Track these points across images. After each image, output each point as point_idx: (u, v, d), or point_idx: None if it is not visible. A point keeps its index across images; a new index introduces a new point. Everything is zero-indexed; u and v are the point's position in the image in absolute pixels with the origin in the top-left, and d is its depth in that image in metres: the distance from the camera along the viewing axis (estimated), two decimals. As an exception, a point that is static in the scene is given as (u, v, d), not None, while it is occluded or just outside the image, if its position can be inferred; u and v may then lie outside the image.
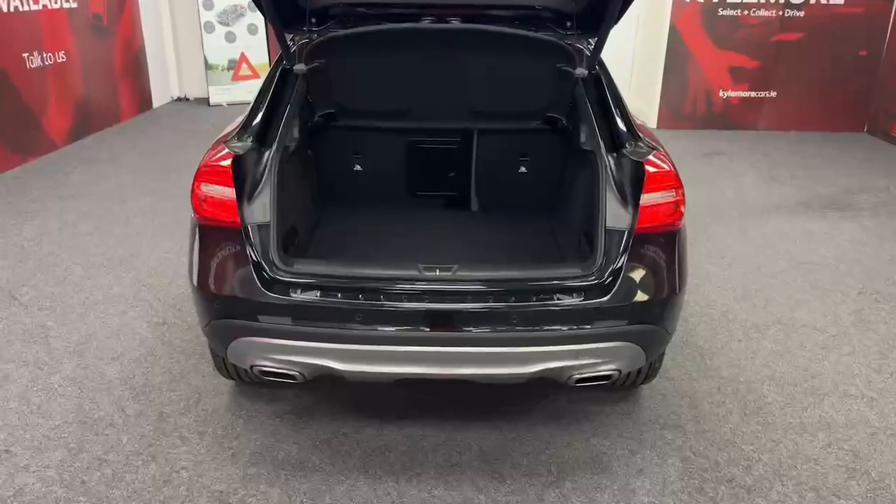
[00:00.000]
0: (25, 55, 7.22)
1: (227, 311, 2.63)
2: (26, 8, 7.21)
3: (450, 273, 2.59)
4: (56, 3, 7.77)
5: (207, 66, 10.49)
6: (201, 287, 2.65)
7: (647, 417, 3.26)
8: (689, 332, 4.01)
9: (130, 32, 9.66)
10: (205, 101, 10.79)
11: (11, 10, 6.96)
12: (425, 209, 3.88)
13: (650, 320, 2.66)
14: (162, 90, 10.71)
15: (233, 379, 3.22)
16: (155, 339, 3.84)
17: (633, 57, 10.04)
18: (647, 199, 2.63)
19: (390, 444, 3.02)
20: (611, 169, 2.74)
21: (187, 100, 11.16)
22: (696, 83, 9.38)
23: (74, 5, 8.15)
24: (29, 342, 3.82)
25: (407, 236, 3.47)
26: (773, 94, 9.37)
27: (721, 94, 9.43)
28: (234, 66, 10.52)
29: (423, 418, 3.17)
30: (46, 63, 7.59)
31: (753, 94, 9.42)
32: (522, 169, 3.76)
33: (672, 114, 9.50)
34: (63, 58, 7.92)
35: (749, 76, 9.29)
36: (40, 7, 7.46)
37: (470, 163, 3.80)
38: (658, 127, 9.40)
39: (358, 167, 3.81)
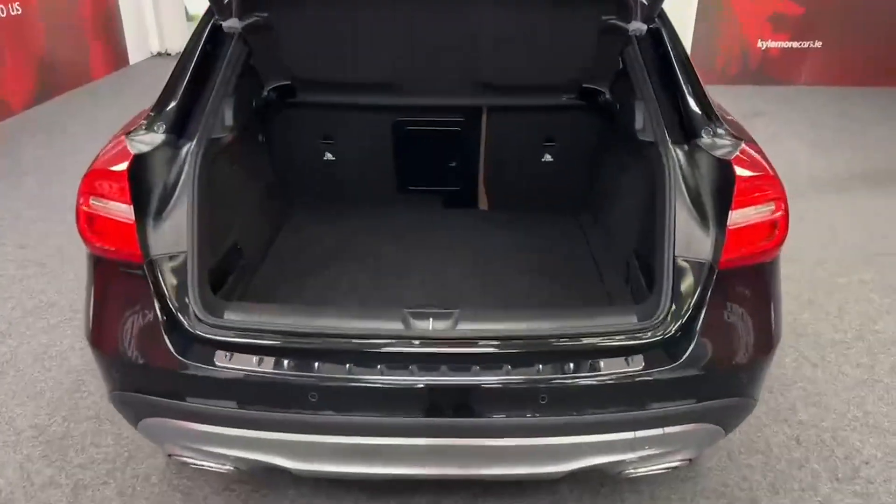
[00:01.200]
0: (-30, 7, 6.33)
1: (130, 381, 1.91)
2: (-33, -48, 6.28)
3: (448, 323, 1.83)
4: (6, -54, 6.83)
5: (189, 18, 9.65)
6: (95, 345, 1.92)
7: (710, 488, 2.50)
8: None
9: (100, -20, 8.72)
10: (187, 57, 9.86)
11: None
12: (420, 208, 3.14)
13: (736, 391, 1.92)
14: (139, 45, 9.80)
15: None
16: (86, 367, 3.09)
17: (661, 3, 8.99)
18: (737, 216, 1.85)
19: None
20: (681, 169, 1.94)
21: (168, 55, 10.23)
22: (730, 33, 8.39)
23: (28, -51, 7.20)
24: (-71, 372, 3.06)
25: (394, 252, 2.75)
26: (819, 44, 8.40)
27: (759, 45, 8.46)
28: (217, 17, 9.57)
29: (418, 495, 2.41)
30: (-2, 16, 6.70)
31: (796, 44, 8.44)
32: (547, 157, 2.92)
33: (703, 67, 8.46)
34: (18, 10, 7.01)
35: (791, 24, 8.30)
36: (-14, -49, 6.53)
37: (477, 149, 3.00)
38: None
39: (329, 156, 2.96)
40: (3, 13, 6.79)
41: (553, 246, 2.81)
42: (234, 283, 2.30)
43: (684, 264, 1.86)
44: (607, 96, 2.63)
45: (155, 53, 10.25)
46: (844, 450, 2.67)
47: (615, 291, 2.41)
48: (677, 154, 1.98)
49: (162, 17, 10.10)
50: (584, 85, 2.66)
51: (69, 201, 4.79)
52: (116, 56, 9.22)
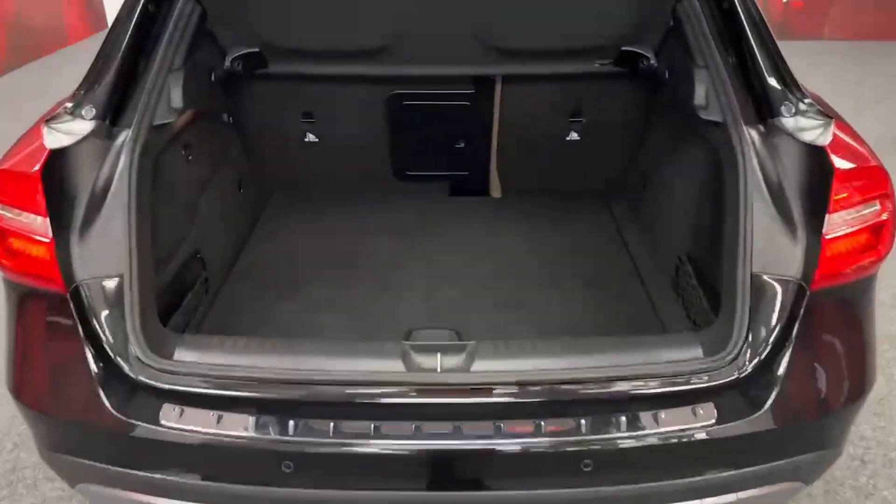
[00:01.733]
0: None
1: (60, 441, 1.54)
2: None
3: (460, 360, 1.45)
4: None
5: (170, -24, 8.94)
6: (17, 396, 1.55)
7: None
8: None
9: (73, -67, 8.14)
10: (170, 18, 9.29)
11: None
12: (421, 198, 2.73)
13: (825, 443, 1.56)
14: (117, 6, 9.18)
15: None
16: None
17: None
18: (836, 221, 1.47)
19: None
20: (757, 158, 1.55)
21: (150, 16, 9.65)
22: (752, -15, 7.84)
23: None
24: None
25: (391, 255, 2.37)
26: (846, -6, 7.90)
27: (782, -3, 7.94)
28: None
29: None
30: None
31: (822, -6, 7.93)
32: (573, 136, 2.49)
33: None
34: (-19, -33, 6.49)
35: (816, -25, 7.84)
36: None
37: (489, 126, 2.56)
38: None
39: (311, 138, 2.52)
40: (-36, -28, 6.27)
41: (582, 243, 2.44)
42: (192, 304, 1.89)
43: (765, 282, 1.48)
44: (652, 62, 2.18)
45: (136, 14, 9.67)
46: (919, 473, 2.30)
47: (662, 304, 2.03)
48: (752, 138, 1.57)
49: (142, -26, 9.49)
50: (624, 48, 2.20)
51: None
52: (94, 18, 8.68)
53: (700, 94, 1.73)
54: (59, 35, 7.89)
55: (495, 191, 2.75)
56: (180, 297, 1.84)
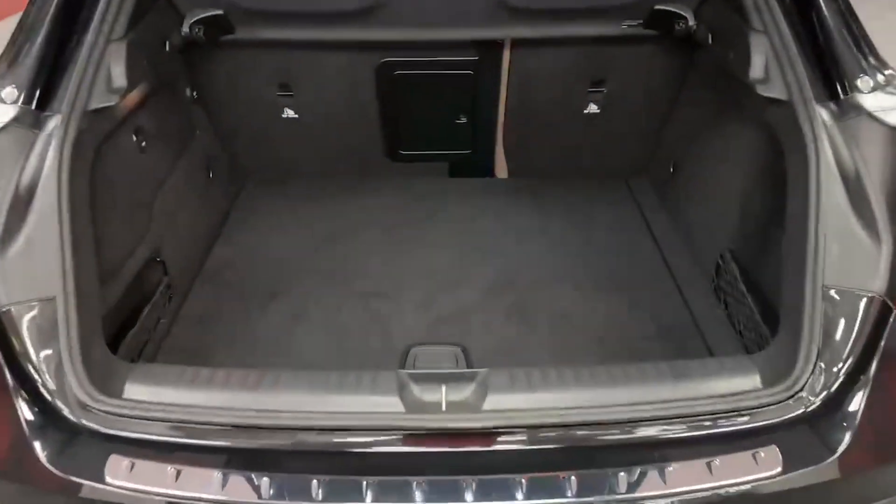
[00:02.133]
0: None
1: None
2: None
3: (470, 393, 1.22)
4: None
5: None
6: None
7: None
8: None
9: None
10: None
11: None
12: (417, 181, 2.44)
13: None
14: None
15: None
16: None
17: None
18: None
19: None
20: (832, 145, 1.29)
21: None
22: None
23: None
24: None
25: (382, 249, 2.09)
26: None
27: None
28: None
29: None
30: None
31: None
32: (592, 108, 2.19)
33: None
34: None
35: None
36: None
37: (495, 98, 2.26)
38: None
39: (290, 113, 2.20)
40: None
41: (602, 235, 2.17)
42: (152, 317, 1.63)
43: (839, 297, 1.23)
44: (690, 23, 1.86)
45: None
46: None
47: (701, 311, 1.78)
48: (823, 118, 1.31)
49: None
50: (656, 6, 1.89)
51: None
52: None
53: (757, 65, 1.44)
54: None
55: (501, 171, 2.45)
56: (136, 312, 1.56)
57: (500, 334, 1.71)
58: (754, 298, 1.55)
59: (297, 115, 2.20)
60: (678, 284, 1.89)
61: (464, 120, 2.30)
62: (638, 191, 2.36)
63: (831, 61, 1.37)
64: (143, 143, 1.67)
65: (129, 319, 1.54)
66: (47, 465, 1.17)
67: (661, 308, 1.83)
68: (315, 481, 1.14)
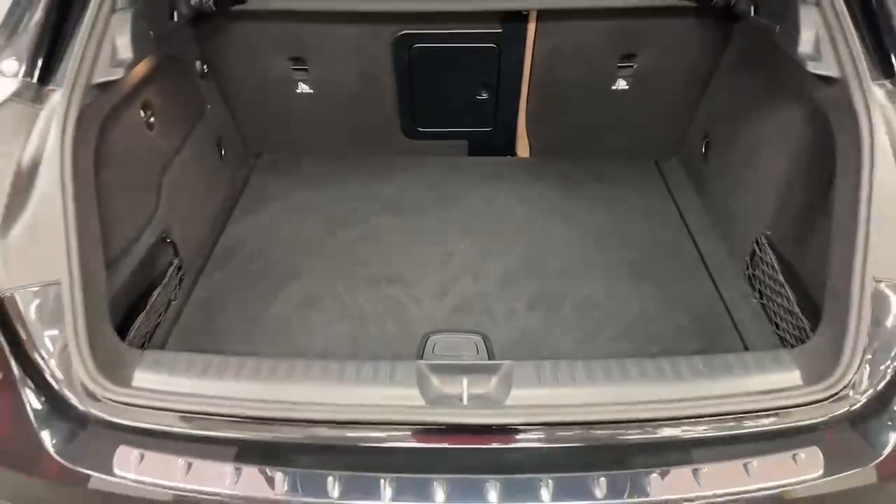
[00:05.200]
0: None
1: None
2: None
3: (493, 385, 1.17)
4: None
5: None
6: None
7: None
8: None
9: None
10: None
11: None
12: (435, 160, 2.36)
13: None
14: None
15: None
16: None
17: None
18: None
19: None
20: (888, 127, 1.22)
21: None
22: None
23: None
24: None
25: (399, 232, 2.02)
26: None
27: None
28: None
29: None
30: None
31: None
32: (621, 84, 2.09)
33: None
34: None
35: None
36: None
37: (519, 72, 2.16)
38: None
39: (304, 88, 2.13)
40: None
41: (630, 218, 2.08)
42: (162, 300, 1.58)
43: (891, 291, 1.16)
44: None
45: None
46: None
47: (735, 300, 1.69)
48: (880, 97, 1.23)
49: None
50: None
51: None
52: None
53: (807, 40, 1.34)
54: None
55: (523, 150, 2.35)
56: (145, 296, 1.51)
57: (523, 323, 1.64)
58: (792, 288, 1.47)
59: (311, 91, 2.11)
60: (710, 272, 1.80)
61: (485, 96, 2.21)
62: (668, 171, 2.27)
63: (889, 37, 1.29)
64: (151, 119, 1.60)
65: (137, 303, 1.50)
66: (55, 456, 1.16)
67: (692, 297, 1.74)
68: (331, 477, 1.10)
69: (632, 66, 2.05)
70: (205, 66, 1.97)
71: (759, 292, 1.64)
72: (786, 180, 1.57)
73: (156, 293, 1.56)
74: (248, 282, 1.83)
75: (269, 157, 2.39)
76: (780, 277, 1.51)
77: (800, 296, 1.44)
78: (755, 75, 1.77)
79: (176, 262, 1.67)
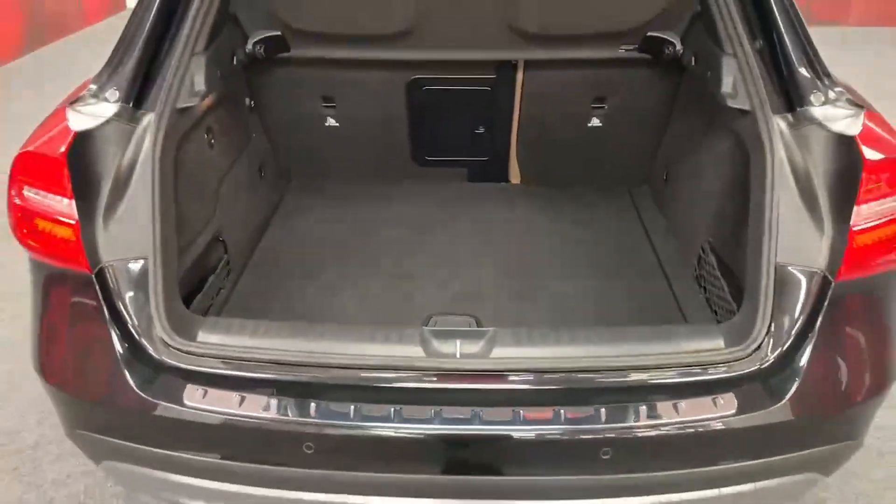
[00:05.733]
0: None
1: (84, 418, 1.57)
2: None
3: (480, 346, 1.46)
4: None
5: (187, -43, 8.94)
6: (45, 377, 1.57)
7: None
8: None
9: (91, -86, 8.14)
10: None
11: None
12: (440, 184, 2.73)
13: (844, 435, 1.56)
14: (136, -13, 9.22)
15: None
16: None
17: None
18: (864, 212, 1.45)
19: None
20: (785, 148, 1.53)
21: (167, -2, 9.66)
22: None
23: None
24: None
25: (409, 242, 2.37)
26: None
27: (806, -18, 7.81)
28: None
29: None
30: (-22, -44, 6.22)
31: (846, -20, 7.86)
32: (595, 122, 2.47)
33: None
34: (2, -51, 6.51)
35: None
36: None
37: (510, 111, 2.55)
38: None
39: (331, 122, 2.52)
40: (-17, -47, 6.30)
41: (602, 233, 2.43)
42: (214, 287, 1.92)
43: (790, 273, 1.47)
44: (678, 48, 2.15)
45: (154, -4, 9.67)
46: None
47: (684, 296, 2.02)
48: (780, 126, 1.55)
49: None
50: (651, 33, 2.17)
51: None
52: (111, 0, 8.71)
53: (727, 83, 1.70)
54: (77, 17, 7.92)
55: (514, 177, 2.74)
56: (203, 281, 1.85)
57: (507, 309, 1.97)
58: (726, 280, 1.79)
59: (337, 124, 2.51)
60: (666, 274, 2.15)
61: (482, 130, 2.59)
62: (638, 196, 2.62)
63: (789, 79, 1.59)
64: (212, 141, 1.97)
65: (196, 286, 1.82)
66: (137, 392, 1.44)
67: (649, 293, 2.08)
68: (352, 406, 1.40)
69: (603, 108, 2.44)
70: (252, 102, 2.36)
71: (704, 288, 1.96)
72: (721, 196, 1.90)
73: (210, 280, 1.89)
74: (282, 277, 2.18)
75: (301, 179, 2.76)
76: (717, 273, 1.84)
77: (731, 286, 1.76)
78: (698, 114, 2.13)
79: (225, 257, 2.02)
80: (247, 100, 2.32)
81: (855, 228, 1.42)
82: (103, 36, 7.59)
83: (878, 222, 1.43)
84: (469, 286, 2.11)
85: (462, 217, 2.52)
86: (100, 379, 1.49)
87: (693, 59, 2.06)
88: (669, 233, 2.32)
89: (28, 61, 6.80)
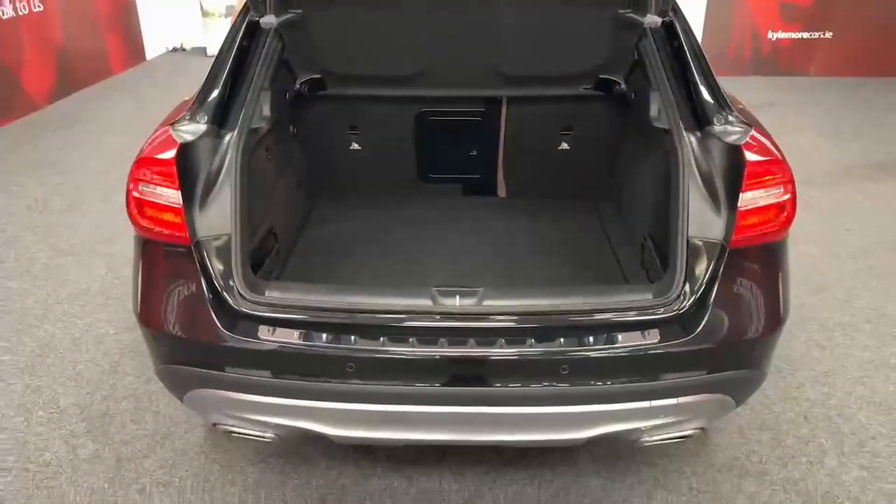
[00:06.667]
0: (-6, 5, 6.48)
1: (178, 354, 2.03)
2: (-8, -49, 6.42)
3: (473, 300, 1.94)
4: (28, -56, 6.96)
5: (203, 13, 9.70)
6: (145, 323, 2.04)
7: (721, 461, 2.59)
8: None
9: (117, -23, 8.84)
10: (202, 51, 10.02)
11: (-26, -47, 6.18)
12: (440, 196, 3.25)
13: (746, 364, 2.02)
14: (155, 40, 9.94)
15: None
16: (122, 350, 3.22)
17: (672, -5, 9.03)
18: (747, 198, 1.95)
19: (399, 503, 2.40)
20: (694, 155, 2.04)
21: (183, 50, 10.39)
22: (742, 24, 8.45)
23: (49, -53, 7.34)
24: (-27, 355, 3.22)
25: (418, 237, 2.86)
26: (829, 34, 8.43)
27: (770, 35, 8.51)
28: (231, 12, 9.69)
29: (442, 466, 2.54)
30: (20, 13, 6.83)
31: (807, 35, 8.48)
32: (564, 145, 3.02)
33: (713, 58, 8.51)
34: (39, 6, 7.15)
35: (801, 15, 8.35)
36: (9, -50, 6.67)
37: (497, 138, 3.11)
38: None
39: (356, 146, 3.08)
40: (26, 9, 6.93)
41: (570, 231, 2.91)
42: (270, 266, 2.42)
43: (697, 244, 1.95)
44: (623, 86, 2.73)
45: (170, 49, 10.38)
46: (851, 426, 2.77)
47: (631, 272, 2.52)
48: (690, 140, 2.07)
49: (177, 13, 10.22)
50: (601, 76, 2.76)
51: (90, 193, 4.99)
52: (134, 51, 9.33)
53: (654, 109, 2.25)
54: (104, 66, 8.54)
55: (501, 191, 3.27)
56: (261, 261, 2.36)
57: (496, 282, 2.46)
58: (659, 257, 2.29)
59: (360, 148, 3.06)
60: (619, 261, 2.63)
61: (474, 153, 3.12)
62: (599, 204, 3.09)
63: (698, 107, 2.12)
64: (269, 157, 2.51)
65: (257, 264, 2.30)
66: (223, 330, 1.91)
67: (604, 273, 2.56)
68: (382, 337, 1.89)
69: (570, 134, 2.98)
70: (294, 129, 2.88)
71: (646, 270, 2.46)
72: (655, 196, 2.38)
73: (266, 262, 2.38)
74: (318, 262, 2.66)
75: (329, 191, 3.24)
76: (654, 254, 2.35)
77: (661, 260, 2.26)
78: (639, 136, 2.62)
79: (276, 246, 2.51)
80: (290, 127, 2.87)
81: (740, 209, 1.92)
82: (124, 86, 8.26)
83: (756, 205, 1.94)
84: (464, 269, 2.58)
85: (458, 221, 2.99)
86: (193, 322, 1.95)
87: (633, 94, 2.63)
88: (622, 232, 2.80)
89: (60, 106, 7.40)
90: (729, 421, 2.77)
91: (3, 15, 6.59)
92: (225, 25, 9.61)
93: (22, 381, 3.04)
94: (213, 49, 9.49)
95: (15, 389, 2.98)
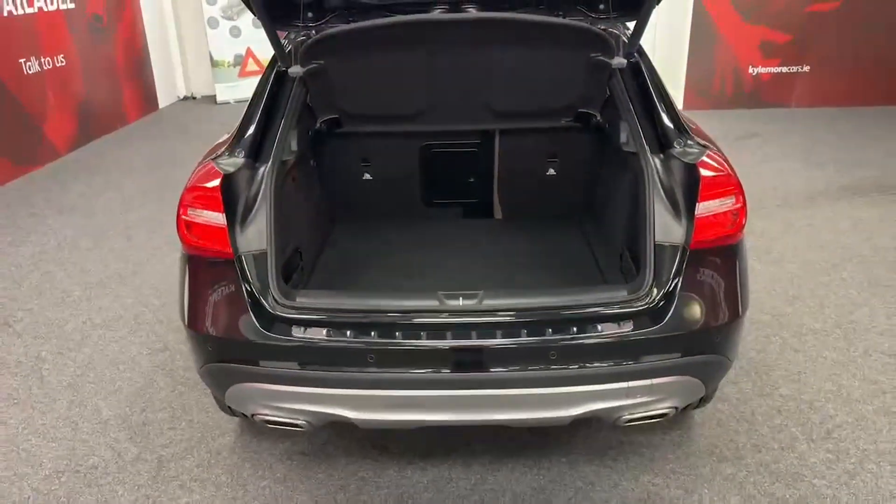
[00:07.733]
0: (23, 61, 6.94)
1: (221, 353, 2.31)
2: (21, 11, 6.91)
3: (475, 301, 2.24)
4: (52, 4, 7.46)
5: (213, 63, 10.18)
6: (192, 327, 2.34)
7: (701, 448, 2.88)
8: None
9: (131, 32, 9.35)
10: (212, 99, 10.49)
11: (5, 14, 6.66)
12: (443, 219, 3.57)
13: (710, 349, 2.31)
14: (167, 90, 10.42)
15: (237, 417, 2.89)
16: (155, 368, 3.54)
17: (655, 35, 9.52)
18: (703, 208, 2.28)
19: (413, 491, 2.69)
20: (658, 174, 2.38)
21: (194, 98, 10.87)
22: (723, 60, 8.90)
23: (72, 6, 7.85)
24: (22, 376, 3.53)
25: (424, 254, 3.15)
26: (807, 68, 8.88)
27: (751, 70, 8.95)
28: (240, 61, 10.20)
29: (451, 458, 2.83)
30: (45, 68, 7.30)
31: (785, 69, 8.93)
32: (551, 171, 3.37)
33: (698, 94, 9.03)
34: (62, 61, 7.63)
35: (780, 51, 8.81)
36: (36, 10, 7.16)
37: (491, 166, 3.45)
38: (684, 108, 8.92)
39: (367, 176, 3.45)
40: (50, 64, 7.40)
41: (558, 247, 3.21)
42: (296, 280, 2.75)
43: (663, 247, 2.25)
44: (599, 118, 3.09)
45: (182, 97, 10.85)
46: (819, 416, 3.07)
47: (611, 278, 2.85)
48: (655, 161, 2.40)
49: (187, 63, 10.74)
50: (580, 110, 3.11)
51: (113, 232, 5.38)
52: (147, 101, 9.77)
53: (624, 136, 2.62)
54: (120, 116, 8.99)
55: (497, 213, 3.58)
56: (290, 275, 2.66)
57: (492, 290, 2.80)
58: (635, 264, 2.62)
59: (371, 178, 3.41)
60: (601, 269, 2.93)
61: (472, 180, 3.45)
62: (585, 224, 3.38)
63: (661, 134, 2.45)
64: (295, 185, 2.85)
65: (286, 278, 2.58)
66: (262, 330, 2.21)
67: (588, 279, 2.85)
68: (398, 332, 2.20)
69: (556, 161, 3.32)
70: (314, 162, 3.23)
71: (624, 275, 2.76)
72: (630, 212, 2.66)
73: (294, 276, 2.71)
74: (339, 276, 2.95)
75: (344, 217, 3.52)
76: (631, 262, 2.68)
77: (636, 265, 2.61)
78: (613, 160, 2.94)
79: (301, 264, 2.82)
80: (311, 161, 3.21)
81: (698, 216, 2.25)
82: (140, 134, 8.70)
83: (711, 213, 2.26)
84: (465, 279, 2.87)
85: (459, 241, 3.30)
86: (235, 324, 2.24)
87: (608, 124, 3.01)
88: (603, 244, 3.08)
89: (80, 153, 7.80)
90: (709, 415, 3.07)
91: (30, 70, 7.05)
92: (233, 74, 10.14)
93: (66, 398, 3.35)
94: (222, 97, 10.17)
95: (61, 405, 3.29)
